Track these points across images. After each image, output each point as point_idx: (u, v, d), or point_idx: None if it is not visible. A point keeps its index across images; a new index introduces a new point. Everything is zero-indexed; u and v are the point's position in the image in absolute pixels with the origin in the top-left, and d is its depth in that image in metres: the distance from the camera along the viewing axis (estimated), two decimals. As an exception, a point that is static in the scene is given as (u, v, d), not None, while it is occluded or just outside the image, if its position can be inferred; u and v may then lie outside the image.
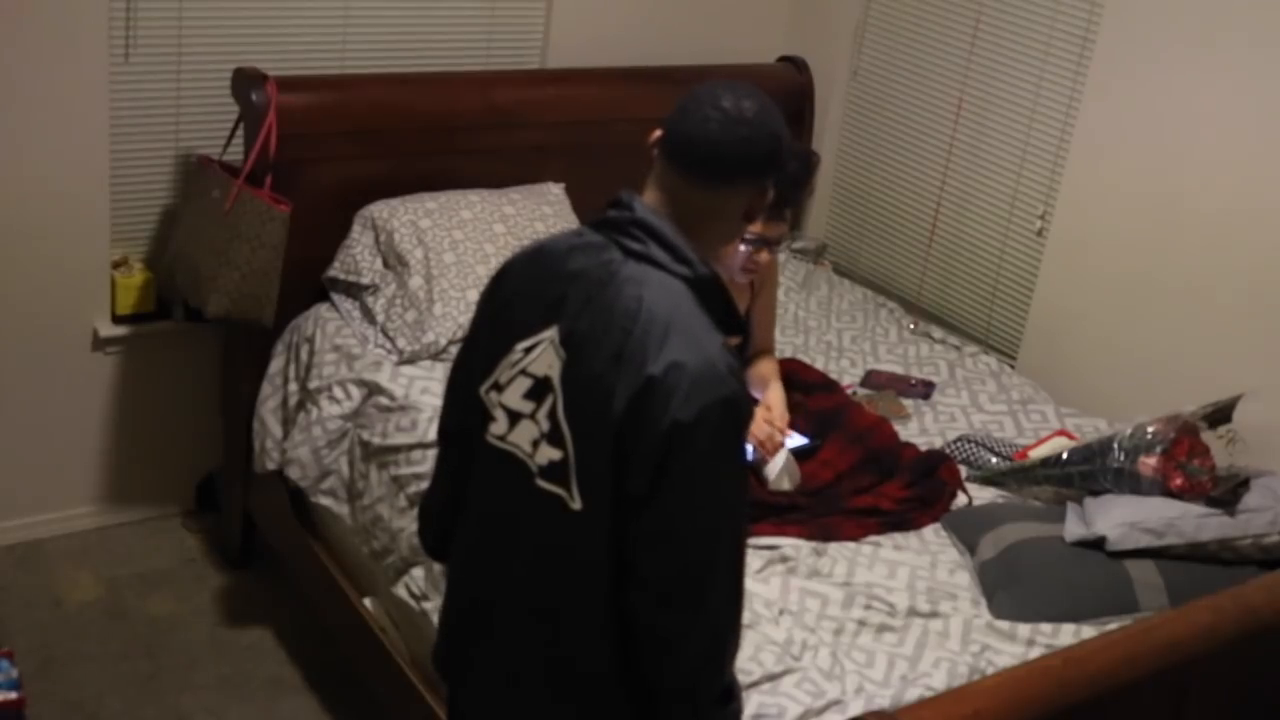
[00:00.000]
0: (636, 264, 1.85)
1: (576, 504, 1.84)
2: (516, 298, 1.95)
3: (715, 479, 1.79)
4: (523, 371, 1.89)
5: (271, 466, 3.29)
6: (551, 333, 1.87)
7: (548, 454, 1.86)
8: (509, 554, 1.96)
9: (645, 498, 1.79)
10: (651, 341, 1.77)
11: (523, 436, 1.90)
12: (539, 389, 1.87)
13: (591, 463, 1.82)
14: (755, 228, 2.80)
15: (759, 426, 2.86)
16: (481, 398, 1.96)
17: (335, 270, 3.38)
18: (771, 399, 2.97)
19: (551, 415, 1.85)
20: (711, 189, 1.88)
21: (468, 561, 2.07)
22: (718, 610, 1.83)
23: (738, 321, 1.93)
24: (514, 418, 1.91)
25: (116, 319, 3.51)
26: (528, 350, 1.89)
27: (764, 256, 2.85)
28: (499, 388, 1.93)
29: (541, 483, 1.87)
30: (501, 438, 1.93)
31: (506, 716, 2.01)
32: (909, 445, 3.03)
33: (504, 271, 2.01)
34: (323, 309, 3.37)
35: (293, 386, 3.28)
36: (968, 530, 2.75)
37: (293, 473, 3.20)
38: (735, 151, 1.85)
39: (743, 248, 2.82)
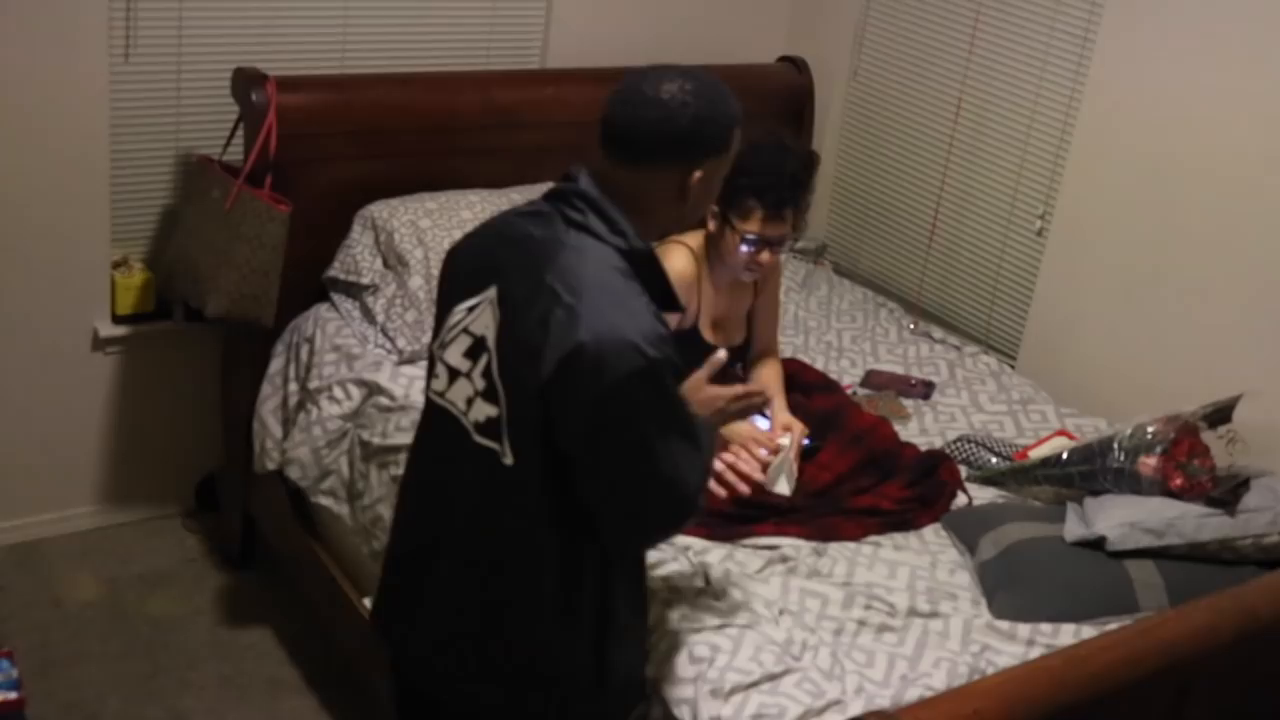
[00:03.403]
0: (576, 233, 1.92)
1: (508, 458, 1.90)
2: (466, 261, 2.02)
3: (645, 438, 1.85)
4: (464, 330, 1.96)
5: (271, 466, 3.29)
6: (491, 292, 1.93)
7: (484, 410, 1.92)
8: (448, 508, 2.02)
9: (582, 460, 1.87)
10: (581, 308, 1.83)
11: (458, 394, 1.96)
12: (476, 348, 1.94)
13: (522, 420, 1.89)
14: (753, 226, 2.79)
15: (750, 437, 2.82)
16: (432, 353, 2.05)
17: (335, 270, 3.38)
18: (784, 416, 2.94)
19: (487, 374, 1.91)
20: (629, 168, 1.94)
21: (411, 517, 2.14)
22: (674, 515, 1.94)
23: (674, 299, 1.98)
24: (453, 375, 1.98)
25: (116, 319, 3.51)
26: (470, 309, 1.96)
27: (766, 256, 2.85)
28: (443, 345, 2.00)
29: (478, 438, 1.94)
30: (440, 394, 2.00)
31: (447, 661, 2.05)
32: (909, 445, 3.03)
33: (462, 241, 2.07)
34: (323, 309, 3.37)
35: (293, 386, 3.28)
36: (968, 530, 2.75)
37: (293, 473, 3.20)
38: (644, 131, 1.91)
39: (744, 248, 2.81)
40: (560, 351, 1.82)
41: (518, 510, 1.93)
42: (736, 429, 2.63)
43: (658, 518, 1.94)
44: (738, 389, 2.18)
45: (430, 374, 2.05)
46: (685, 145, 1.92)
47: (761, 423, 2.85)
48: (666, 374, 1.86)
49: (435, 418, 2.03)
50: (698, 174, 1.94)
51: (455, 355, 1.96)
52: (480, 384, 1.92)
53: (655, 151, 1.92)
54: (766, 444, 2.72)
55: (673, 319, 2.29)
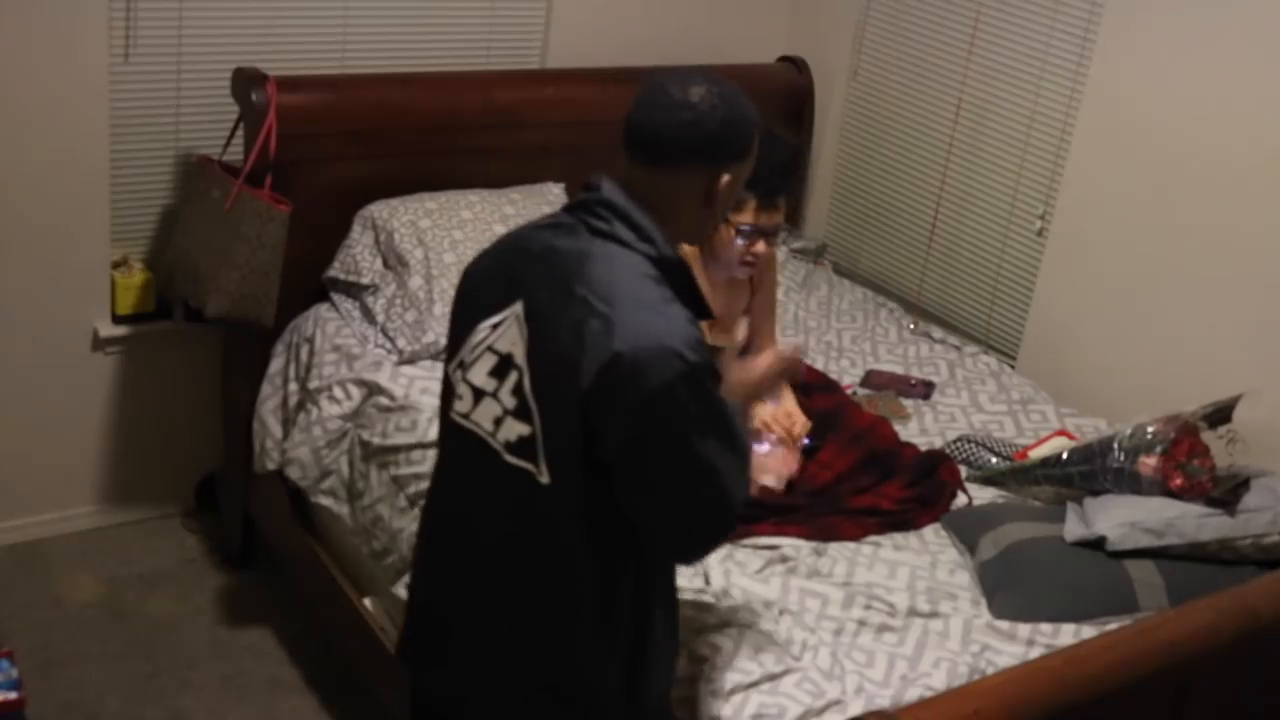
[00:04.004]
0: (603, 242, 1.89)
1: (545, 477, 1.87)
2: (484, 278, 1.99)
3: (690, 444, 1.82)
4: (489, 348, 1.92)
5: (271, 466, 3.29)
6: (517, 308, 1.90)
7: (515, 429, 1.88)
8: (475, 533, 1.98)
9: (625, 472, 1.83)
10: (616, 316, 1.80)
11: (484, 415, 1.92)
12: (503, 366, 1.90)
13: (559, 436, 1.85)
14: (747, 217, 2.79)
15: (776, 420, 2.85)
16: (449, 375, 1.99)
17: (335, 270, 3.38)
18: (791, 407, 2.94)
19: (517, 391, 1.88)
20: (656, 171, 1.91)
21: (436, 544, 2.10)
22: (723, 521, 1.90)
23: (704, 306, 1.96)
24: (478, 395, 1.94)
25: (116, 319, 3.51)
26: (494, 326, 1.92)
27: (761, 247, 2.85)
28: (464, 365, 1.96)
29: (509, 459, 1.90)
30: (465, 415, 1.96)
31: (478, 688, 2.03)
32: (909, 445, 3.03)
33: (476, 259, 2.04)
34: (323, 309, 3.37)
35: (293, 386, 3.28)
36: (968, 530, 2.75)
37: (293, 473, 3.20)
38: (674, 134, 1.89)
39: (739, 240, 2.81)
40: (598, 362, 1.79)
41: (556, 530, 1.89)
42: (761, 409, 2.62)
43: (705, 525, 1.90)
44: (770, 358, 2.18)
45: (449, 396, 1.99)
46: (715, 147, 1.90)
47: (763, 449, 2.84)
48: (707, 378, 1.83)
49: (458, 441, 1.97)
50: (725, 177, 1.93)
51: (480, 375, 1.92)
52: (510, 402, 1.88)
53: (685, 154, 1.90)
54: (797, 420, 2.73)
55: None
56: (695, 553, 1.99)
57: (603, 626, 1.93)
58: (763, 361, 2.22)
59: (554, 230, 1.93)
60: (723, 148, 1.91)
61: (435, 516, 2.10)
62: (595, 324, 1.80)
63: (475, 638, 2.00)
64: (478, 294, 1.97)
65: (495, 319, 1.91)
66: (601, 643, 1.93)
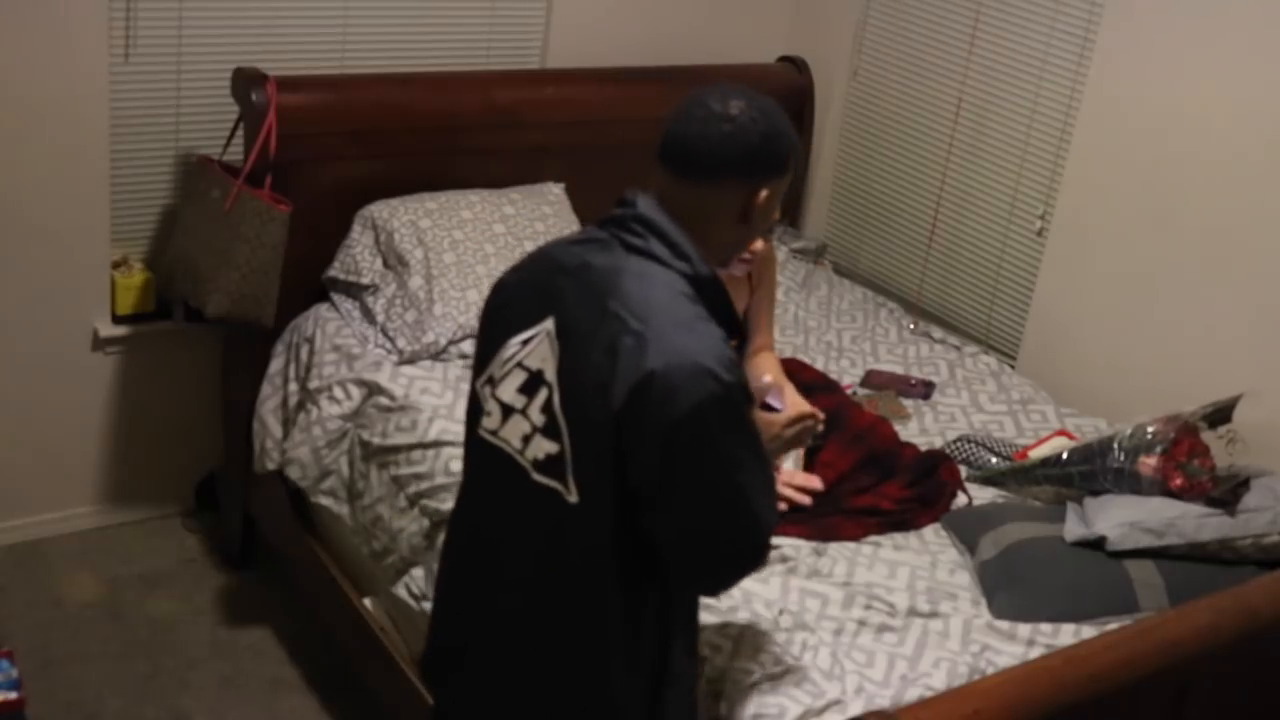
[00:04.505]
0: (638, 259, 1.87)
1: (573, 497, 1.84)
2: (515, 293, 1.96)
3: (722, 465, 1.80)
4: (519, 364, 1.90)
5: (271, 466, 3.29)
6: (548, 324, 1.87)
7: (544, 447, 1.86)
8: (500, 551, 1.96)
9: (655, 494, 1.80)
10: (649, 334, 1.78)
11: (513, 432, 1.90)
12: (532, 383, 1.88)
13: (588, 455, 1.83)
14: None
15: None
16: (477, 392, 1.97)
17: (335, 270, 3.38)
18: (795, 399, 2.94)
19: (546, 409, 1.86)
20: (694, 185, 1.89)
21: (461, 562, 2.07)
22: (753, 548, 1.88)
23: (738, 325, 1.94)
24: (506, 412, 1.91)
25: (116, 319, 3.51)
26: (525, 343, 1.90)
27: (758, 245, 2.84)
28: (493, 382, 1.94)
29: (538, 477, 1.87)
30: (493, 432, 1.94)
31: (498, 713, 2.01)
32: (909, 445, 3.03)
33: (507, 274, 2.02)
34: (323, 309, 3.37)
35: (293, 386, 3.28)
36: (968, 530, 2.75)
37: (293, 473, 3.21)
38: (714, 147, 1.87)
39: None
40: (631, 381, 1.76)
41: (585, 550, 1.86)
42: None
43: (734, 553, 1.87)
44: (792, 413, 2.19)
45: (478, 412, 1.97)
46: (754, 161, 1.89)
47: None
48: (741, 399, 1.81)
49: (485, 458, 1.95)
50: (764, 193, 1.91)
51: (509, 391, 1.89)
52: (539, 419, 1.86)
53: (724, 167, 1.88)
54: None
55: None
56: (721, 580, 1.94)
57: (628, 648, 1.90)
58: (779, 420, 2.20)
59: (588, 246, 1.91)
60: (761, 161, 1.90)
61: (460, 533, 2.08)
62: (629, 341, 1.78)
63: (499, 654, 1.98)
64: (508, 309, 1.94)
65: (526, 334, 1.89)
66: (625, 666, 1.91)
